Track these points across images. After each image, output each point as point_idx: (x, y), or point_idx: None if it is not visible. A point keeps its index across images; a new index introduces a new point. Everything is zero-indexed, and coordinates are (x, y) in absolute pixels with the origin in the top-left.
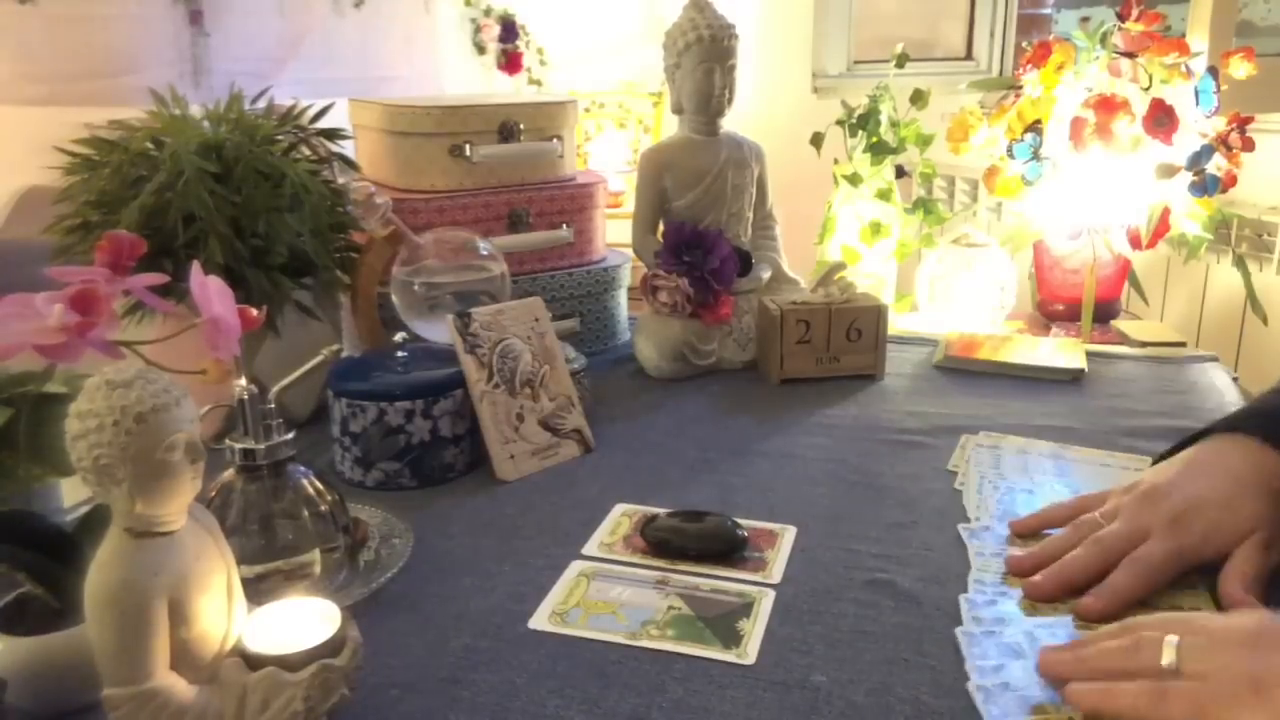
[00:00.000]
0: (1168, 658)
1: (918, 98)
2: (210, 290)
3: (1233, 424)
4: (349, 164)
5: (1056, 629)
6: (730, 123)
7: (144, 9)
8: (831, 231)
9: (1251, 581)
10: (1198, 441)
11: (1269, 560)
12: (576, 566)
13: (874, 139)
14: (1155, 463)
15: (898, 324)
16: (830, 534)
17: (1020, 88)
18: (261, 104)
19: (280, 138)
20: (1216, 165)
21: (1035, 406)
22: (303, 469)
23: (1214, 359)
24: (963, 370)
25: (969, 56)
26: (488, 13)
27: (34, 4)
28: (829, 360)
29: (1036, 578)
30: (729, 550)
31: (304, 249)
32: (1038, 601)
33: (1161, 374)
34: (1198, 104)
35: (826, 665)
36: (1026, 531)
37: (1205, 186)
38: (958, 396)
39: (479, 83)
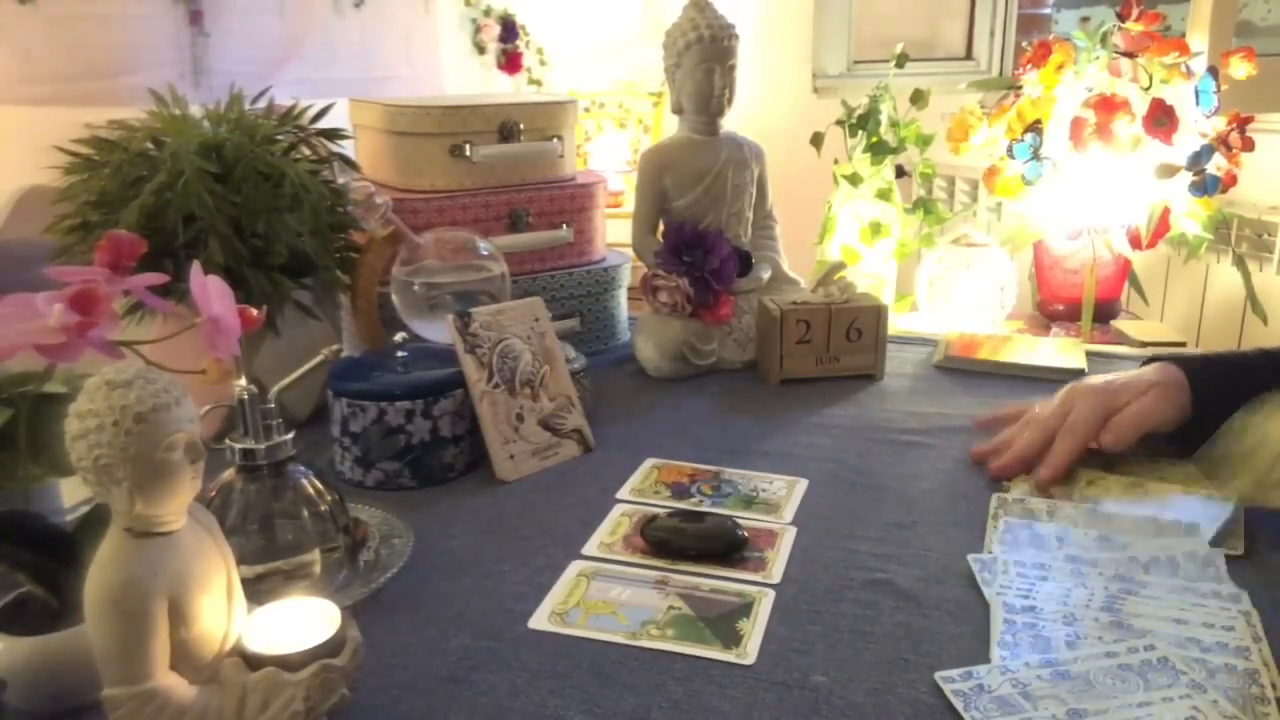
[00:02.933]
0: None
1: (918, 98)
2: (210, 290)
3: (1174, 357)
4: (349, 164)
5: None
6: (730, 123)
7: (144, 9)
8: (831, 231)
9: (1137, 417)
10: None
11: (1161, 407)
12: (576, 566)
13: (874, 139)
14: None
15: (898, 324)
16: (830, 534)
17: (1020, 88)
18: (261, 104)
19: (280, 138)
20: (1216, 165)
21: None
22: (303, 469)
23: None
24: (963, 370)
25: (969, 56)
26: (488, 13)
27: (34, 4)
28: (829, 360)
29: (1001, 462)
30: (729, 550)
31: (304, 249)
32: (1002, 478)
33: None
34: (1198, 104)
35: (826, 665)
36: (984, 424)
37: (1205, 186)
38: (958, 396)
39: (479, 83)
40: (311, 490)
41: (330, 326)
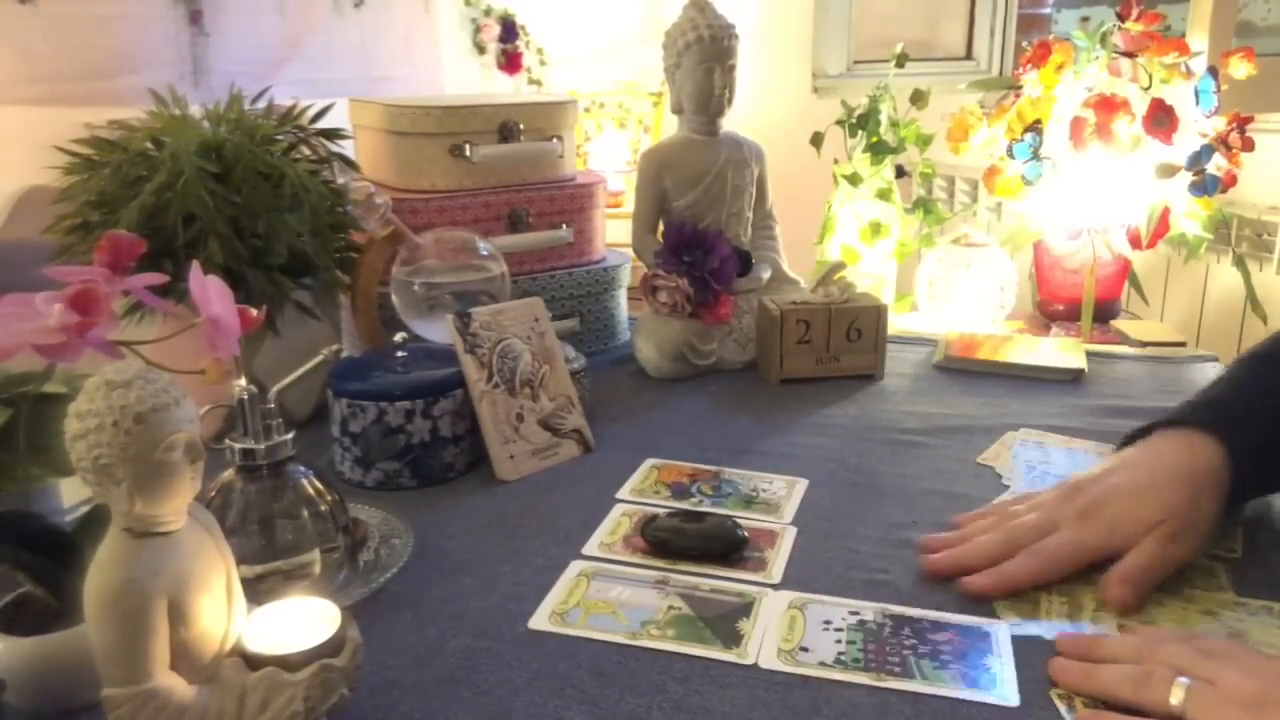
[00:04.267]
0: (1176, 698)
1: (918, 98)
2: (210, 290)
3: (1173, 418)
4: (349, 164)
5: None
6: (730, 123)
7: (144, 9)
8: (831, 231)
9: (1140, 574)
10: (1146, 435)
11: (1171, 552)
12: (576, 566)
13: (874, 139)
14: (1117, 450)
15: (898, 324)
16: (830, 534)
17: (1020, 88)
18: (261, 104)
19: (280, 138)
20: (1216, 165)
21: (1035, 406)
22: (303, 469)
23: (1214, 359)
24: (963, 370)
25: (969, 56)
26: (488, 13)
27: (34, 4)
28: (829, 360)
29: (938, 555)
30: (729, 550)
31: (304, 249)
32: (934, 574)
33: (1161, 374)
34: (1198, 104)
35: None
36: (966, 523)
37: (1205, 186)
38: (958, 396)
39: (479, 83)
40: (311, 490)
41: (330, 326)
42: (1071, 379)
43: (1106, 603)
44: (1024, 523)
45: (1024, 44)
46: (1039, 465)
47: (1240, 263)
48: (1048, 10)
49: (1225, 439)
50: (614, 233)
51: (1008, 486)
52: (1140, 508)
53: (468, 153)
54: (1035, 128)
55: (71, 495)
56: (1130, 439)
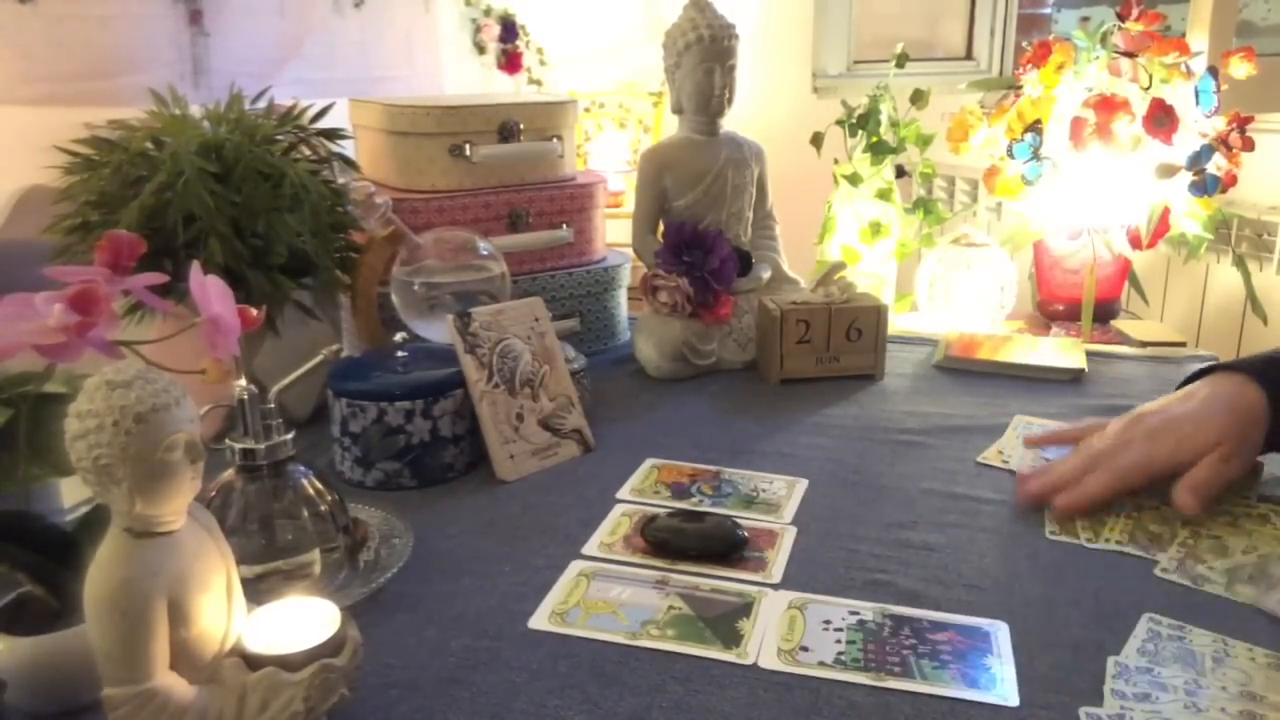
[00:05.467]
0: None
1: (918, 98)
2: (210, 290)
3: (1233, 364)
4: (349, 164)
5: None
6: (730, 123)
7: (144, 9)
8: (831, 231)
9: (1202, 486)
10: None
11: (1226, 470)
12: (576, 566)
13: (874, 139)
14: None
15: (898, 324)
16: (830, 534)
17: (1020, 88)
18: (261, 104)
19: (280, 138)
20: (1216, 165)
21: (1035, 406)
22: (303, 469)
23: (1214, 359)
24: (963, 370)
25: (969, 56)
26: (488, 13)
27: (34, 4)
28: (829, 360)
29: (1031, 484)
30: (729, 550)
31: (304, 249)
32: (1030, 502)
33: (1161, 374)
34: (1198, 104)
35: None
36: (1037, 443)
37: (1205, 186)
38: (958, 396)
39: (479, 83)
40: (311, 490)
41: (330, 326)
42: (1071, 379)
43: (1176, 508)
44: (1099, 446)
45: (1024, 44)
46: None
47: (1240, 263)
48: (1048, 10)
49: (1268, 390)
50: (614, 233)
51: (1014, 473)
52: (1201, 432)
53: (468, 153)
54: (1035, 128)
55: (71, 495)
56: (1190, 379)
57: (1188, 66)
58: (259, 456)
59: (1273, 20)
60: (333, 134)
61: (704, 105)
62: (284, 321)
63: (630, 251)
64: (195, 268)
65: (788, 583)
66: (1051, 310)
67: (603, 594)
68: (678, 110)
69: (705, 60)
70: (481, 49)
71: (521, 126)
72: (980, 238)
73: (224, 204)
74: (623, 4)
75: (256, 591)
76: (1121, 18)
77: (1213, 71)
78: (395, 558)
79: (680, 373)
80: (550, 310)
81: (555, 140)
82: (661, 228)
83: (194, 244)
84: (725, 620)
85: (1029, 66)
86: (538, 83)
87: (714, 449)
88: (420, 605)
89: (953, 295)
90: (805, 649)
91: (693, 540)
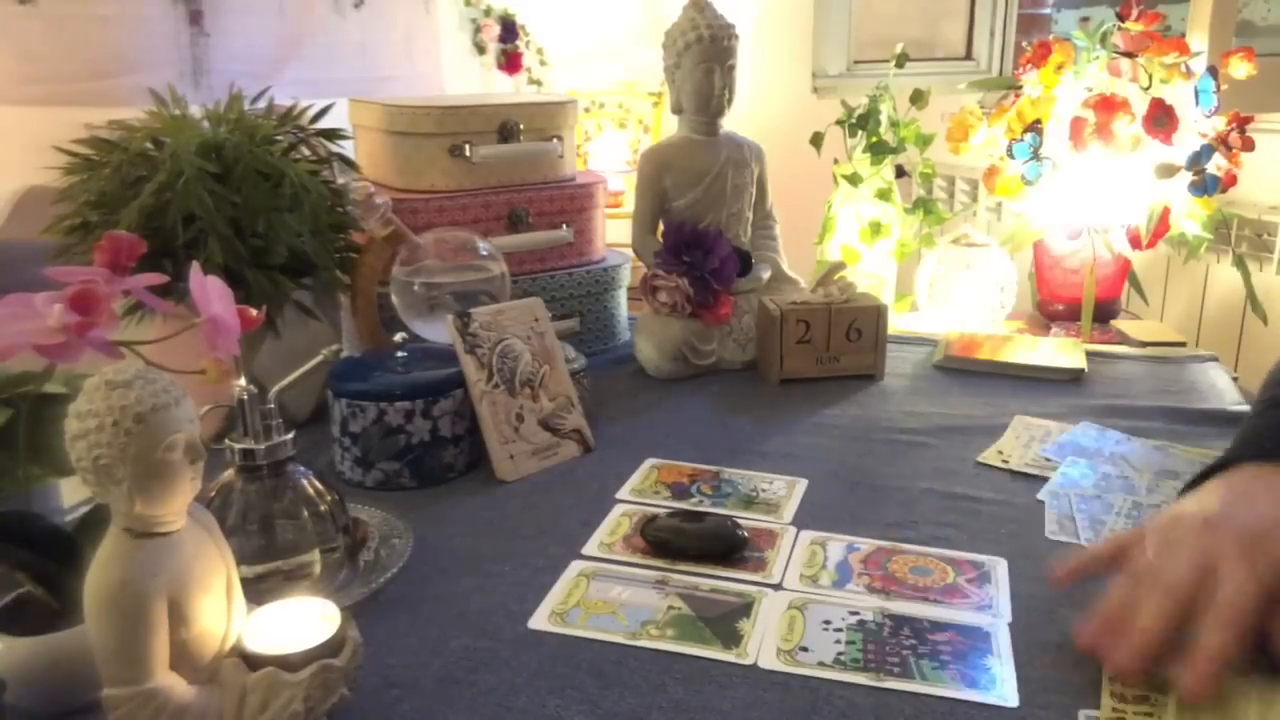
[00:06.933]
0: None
1: (918, 98)
2: (210, 290)
3: (1261, 453)
4: (349, 164)
5: None
6: (730, 123)
7: (144, 9)
8: (831, 231)
9: None
10: (1219, 473)
11: None
12: (576, 566)
13: (874, 139)
14: (1180, 495)
15: (898, 324)
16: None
17: (1020, 88)
18: (261, 104)
19: (280, 138)
20: (1216, 165)
21: (1035, 406)
22: (303, 469)
23: (1214, 359)
24: (963, 370)
25: (969, 56)
26: (488, 13)
27: (34, 4)
28: (829, 360)
29: (1118, 656)
30: (729, 550)
31: (304, 249)
32: (1128, 681)
33: (1161, 374)
34: (1197, 104)
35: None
36: (1069, 580)
37: (1205, 186)
38: (958, 396)
39: (479, 83)
40: (311, 490)
41: (330, 326)
42: (1071, 379)
43: None
44: (1177, 574)
45: (1024, 44)
46: (1040, 438)
47: (1240, 263)
48: (1048, 10)
49: None
50: (614, 233)
51: (1013, 473)
52: None
53: (468, 153)
54: (1035, 128)
55: (71, 495)
56: (1202, 478)
57: (1187, 66)
58: (259, 456)
59: (1273, 20)
60: (332, 134)
61: (704, 105)
62: (284, 321)
63: (630, 251)
64: (195, 268)
65: (788, 582)
66: (1051, 310)
67: (603, 594)
68: (677, 110)
69: (705, 60)
70: (481, 49)
71: (521, 126)
72: (980, 238)
73: (224, 204)
74: (623, 4)
75: (256, 591)
76: (1121, 18)
77: (1212, 71)
78: (395, 558)
79: (680, 373)
80: (550, 310)
81: (555, 140)
82: (661, 228)
83: (194, 244)
84: (725, 620)
85: (1029, 66)
86: (538, 83)
87: (714, 449)
88: (420, 605)
89: (953, 295)
90: (805, 649)
91: (693, 540)
